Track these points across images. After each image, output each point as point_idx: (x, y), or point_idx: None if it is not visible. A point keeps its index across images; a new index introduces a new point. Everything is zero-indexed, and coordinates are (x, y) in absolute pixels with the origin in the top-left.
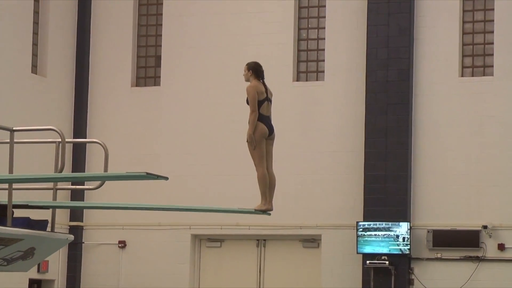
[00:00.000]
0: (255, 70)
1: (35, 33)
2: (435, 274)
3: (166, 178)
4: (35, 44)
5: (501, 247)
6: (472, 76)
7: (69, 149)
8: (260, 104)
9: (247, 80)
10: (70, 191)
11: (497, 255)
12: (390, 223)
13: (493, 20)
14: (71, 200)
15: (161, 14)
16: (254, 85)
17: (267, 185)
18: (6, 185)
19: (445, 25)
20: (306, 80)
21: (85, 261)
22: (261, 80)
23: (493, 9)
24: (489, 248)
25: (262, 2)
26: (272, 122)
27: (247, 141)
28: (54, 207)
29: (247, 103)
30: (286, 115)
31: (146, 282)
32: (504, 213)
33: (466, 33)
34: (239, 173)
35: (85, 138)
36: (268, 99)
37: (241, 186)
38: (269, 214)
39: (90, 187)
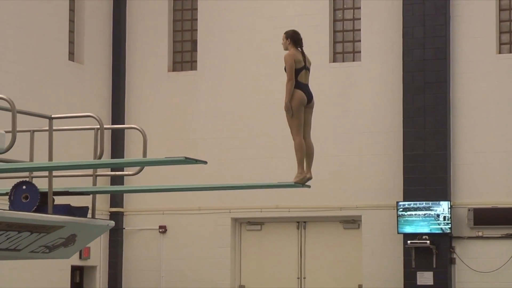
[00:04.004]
0: (293, 38)
1: (72, 21)
2: (476, 252)
3: (205, 162)
4: (71, 31)
5: None
6: (510, 52)
7: (107, 135)
8: (298, 72)
9: (286, 48)
10: (109, 177)
11: None
12: (430, 203)
13: None
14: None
15: None
16: (291, 54)
17: (304, 154)
18: (46, 173)
19: (481, 2)
20: (343, 61)
21: (126, 246)
22: (299, 49)
23: None
24: None
25: None
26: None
27: (285, 109)
28: (94, 193)
29: (285, 71)
30: (324, 96)
31: (187, 266)
32: None
33: (503, 9)
34: (278, 156)
35: (123, 124)
36: (306, 68)
37: (280, 169)
38: (309, 186)
39: (130, 173)
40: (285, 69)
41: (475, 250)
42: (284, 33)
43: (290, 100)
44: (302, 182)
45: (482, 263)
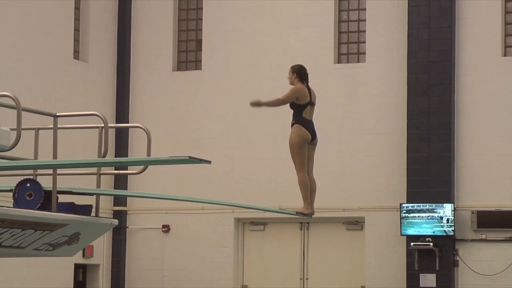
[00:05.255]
0: (299, 73)
1: (77, 19)
2: (480, 255)
3: (209, 162)
4: (76, 30)
5: None
6: None
7: (112, 134)
8: (303, 108)
9: (291, 83)
10: (113, 175)
11: None
12: (433, 205)
13: None
14: (114, 185)
15: None
16: (298, 87)
17: (308, 189)
18: (50, 171)
19: (487, 4)
20: (347, 62)
21: (130, 245)
22: (305, 83)
23: None
24: None
25: None
26: (314, 127)
27: (250, 103)
28: (97, 194)
29: (291, 107)
30: (328, 97)
31: (190, 266)
32: None
33: (509, 12)
34: (281, 156)
35: (128, 123)
36: (311, 103)
37: (285, 169)
38: (311, 217)
39: (133, 171)
40: (290, 106)
41: (478, 252)
42: (291, 68)
43: (264, 103)
44: (304, 214)
45: (485, 266)
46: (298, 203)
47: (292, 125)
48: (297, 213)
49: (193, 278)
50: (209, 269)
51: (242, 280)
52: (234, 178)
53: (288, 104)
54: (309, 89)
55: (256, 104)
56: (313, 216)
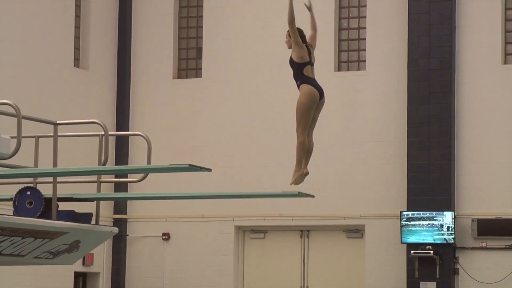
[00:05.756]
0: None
1: (77, 27)
2: (480, 263)
3: (209, 170)
4: (77, 37)
5: None
6: None
7: (112, 142)
8: (303, 67)
9: (289, 47)
10: (113, 184)
11: None
12: (434, 213)
13: None
14: (114, 193)
15: (202, 6)
16: (300, 45)
17: (304, 152)
18: (50, 179)
19: (487, 12)
20: (348, 70)
21: (130, 253)
22: (304, 45)
23: None
24: None
25: None
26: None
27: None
28: (98, 199)
29: (291, 67)
30: (328, 105)
31: (190, 274)
32: None
33: (509, 20)
34: (282, 164)
35: (128, 130)
36: (311, 63)
37: (285, 177)
38: (313, 196)
39: (134, 179)
40: (290, 62)
41: (478, 260)
42: (288, 31)
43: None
44: (299, 179)
45: (485, 274)
46: (298, 210)
47: (299, 85)
48: (294, 182)
49: (194, 286)
50: (209, 277)
51: None
52: (235, 186)
53: (290, 66)
54: (308, 49)
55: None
56: (315, 190)
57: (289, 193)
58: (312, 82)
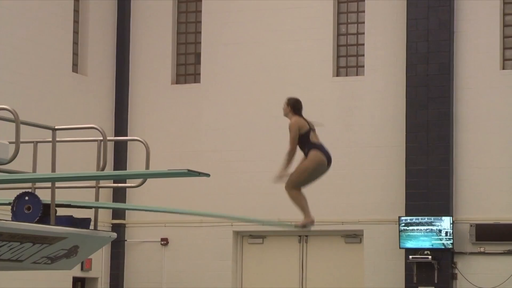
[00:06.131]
0: (293, 106)
1: (76, 32)
2: (478, 268)
3: (208, 175)
4: (75, 43)
5: None
6: None
7: (110, 147)
8: (308, 135)
9: (285, 114)
10: (112, 188)
11: None
12: (432, 218)
13: None
14: (113, 198)
15: (200, 11)
16: (295, 121)
17: (305, 201)
18: (49, 184)
19: (485, 18)
20: (346, 75)
21: (128, 258)
22: (300, 116)
23: None
24: None
25: None
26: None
27: (276, 177)
28: (96, 207)
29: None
30: (327, 110)
31: (189, 279)
32: None
33: (507, 25)
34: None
35: (126, 136)
36: (311, 129)
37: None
38: (309, 228)
39: (132, 185)
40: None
41: (477, 266)
42: (287, 99)
43: (283, 169)
44: (308, 227)
45: (484, 279)
46: (297, 216)
47: (307, 152)
48: (297, 226)
49: None
50: (208, 282)
51: None
52: (233, 191)
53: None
54: (304, 118)
55: (280, 177)
56: (313, 224)
57: (285, 223)
58: (321, 148)
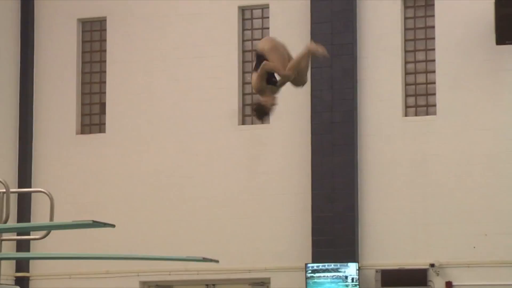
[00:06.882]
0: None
1: None
2: None
3: (113, 226)
4: None
5: (449, 285)
6: (416, 115)
7: (14, 198)
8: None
9: (259, 90)
10: (15, 241)
11: None
12: (338, 264)
13: (434, 60)
14: (16, 251)
15: (105, 61)
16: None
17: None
18: None
19: (387, 66)
20: (252, 124)
21: None
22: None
23: (434, 49)
24: (437, 286)
25: (207, 48)
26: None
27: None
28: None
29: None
30: (233, 158)
31: None
32: (451, 250)
33: (409, 73)
34: (185, 219)
35: (30, 187)
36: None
37: (188, 233)
38: (217, 261)
39: (36, 237)
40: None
41: None
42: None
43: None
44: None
45: None
46: (203, 264)
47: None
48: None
49: None
50: None
51: None
52: (139, 242)
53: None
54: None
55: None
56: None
57: (194, 258)
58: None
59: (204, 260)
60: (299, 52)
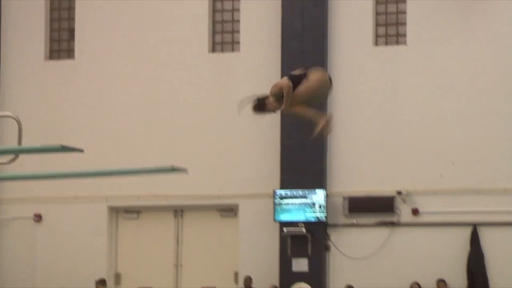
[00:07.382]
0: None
1: None
2: (351, 239)
3: (82, 151)
4: None
5: (415, 212)
6: (386, 45)
7: None
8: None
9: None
10: None
11: (411, 220)
12: (306, 191)
13: None
14: None
15: None
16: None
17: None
18: None
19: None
20: (222, 51)
21: (0, 236)
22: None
23: None
24: (404, 213)
25: None
26: None
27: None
28: None
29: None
30: (202, 86)
31: (63, 255)
32: (418, 178)
33: (380, 3)
34: (154, 146)
35: None
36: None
37: (158, 160)
38: (186, 171)
39: (3, 161)
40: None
41: (349, 237)
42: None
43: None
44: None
45: (356, 250)
46: (172, 190)
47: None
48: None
49: (66, 268)
50: (82, 258)
51: (115, 268)
52: (107, 167)
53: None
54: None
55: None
56: (188, 170)
57: (163, 168)
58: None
59: (173, 169)
60: (314, 113)
